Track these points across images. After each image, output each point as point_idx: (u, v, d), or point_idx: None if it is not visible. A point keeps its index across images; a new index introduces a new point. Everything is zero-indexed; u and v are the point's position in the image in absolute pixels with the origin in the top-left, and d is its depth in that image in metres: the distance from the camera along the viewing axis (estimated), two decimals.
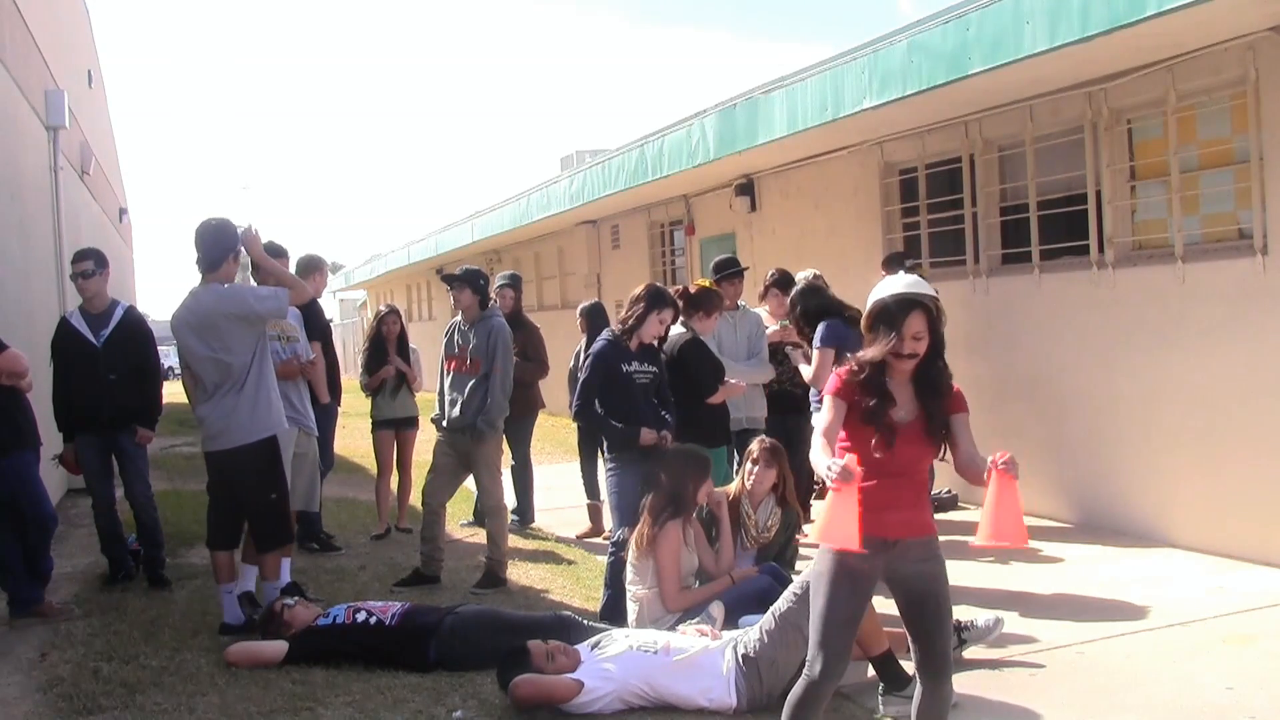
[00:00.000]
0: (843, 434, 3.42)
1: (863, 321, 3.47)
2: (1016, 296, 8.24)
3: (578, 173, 14.17)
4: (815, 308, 6.74)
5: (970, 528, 8.35)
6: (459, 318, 6.94)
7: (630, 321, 5.85)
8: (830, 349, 6.50)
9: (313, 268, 7.72)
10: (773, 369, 7.08)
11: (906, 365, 3.38)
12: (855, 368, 3.41)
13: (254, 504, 5.70)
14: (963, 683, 4.60)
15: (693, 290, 6.41)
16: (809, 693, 3.39)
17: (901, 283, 3.44)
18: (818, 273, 7.32)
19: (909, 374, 3.41)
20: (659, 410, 5.87)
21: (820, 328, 6.68)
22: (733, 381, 6.27)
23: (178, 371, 5.79)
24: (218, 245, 5.64)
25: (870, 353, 3.39)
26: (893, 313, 3.35)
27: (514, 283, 8.77)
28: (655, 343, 5.97)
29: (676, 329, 6.23)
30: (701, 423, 6.11)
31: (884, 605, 3.86)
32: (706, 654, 4.55)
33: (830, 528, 3.14)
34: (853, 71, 7.95)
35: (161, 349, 7.55)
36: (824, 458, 3.24)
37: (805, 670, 3.40)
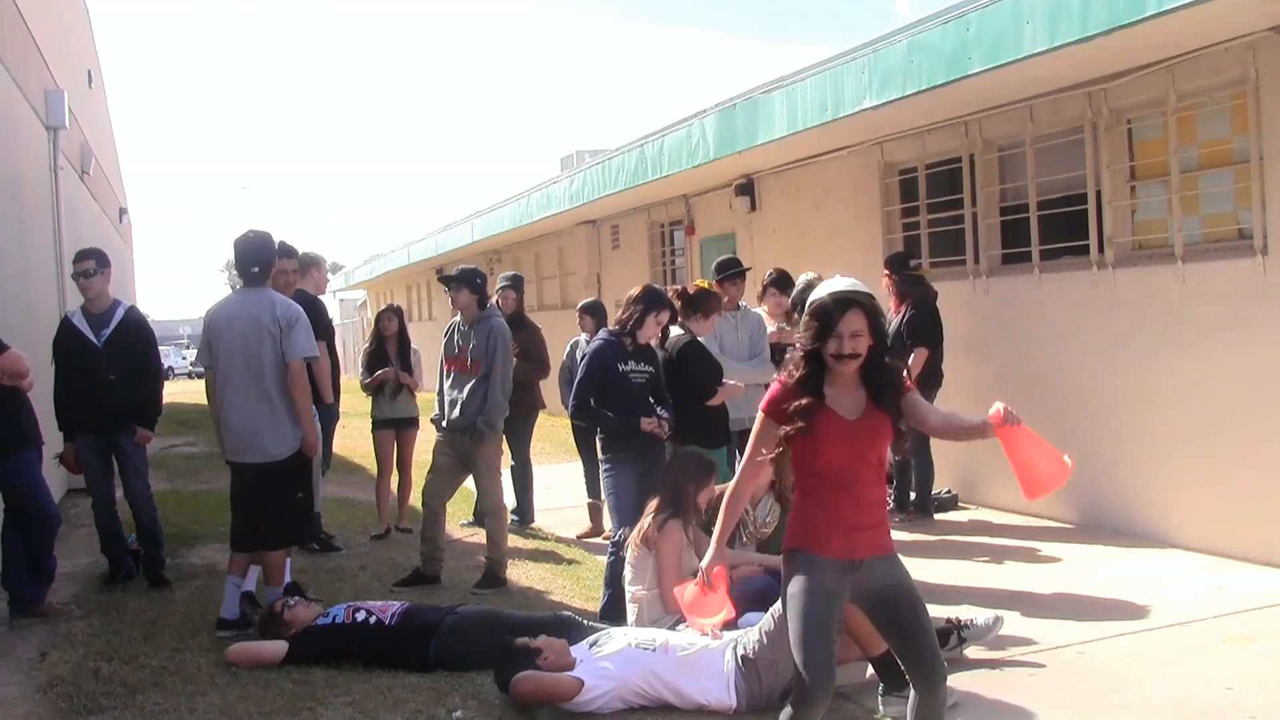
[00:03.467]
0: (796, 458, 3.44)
1: (802, 320, 3.46)
2: (1016, 296, 8.24)
3: (578, 173, 14.17)
4: None
5: (970, 527, 8.39)
6: (458, 318, 6.93)
7: (628, 323, 5.86)
8: None
9: (309, 264, 7.76)
10: (774, 369, 7.07)
11: (848, 367, 3.36)
12: (790, 373, 3.41)
13: (279, 503, 5.74)
14: (963, 683, 4.60)
15: (691, 291, 6.40)
16: (801, 713, 3.37)
17: (841, 283, 3.43)
18: (817, 275, 7.32)
19: (855, 376, 3.40)
20: (656, 409, 5.87)
21: None
22: (731, 383, 6.27)
23: (178, 372, 5.82)
24: (269, 255, 5.94)
25: (801, 345, 3.41)
26: (829, 312, 3.34)
27: (516, 284, 8.77)
28: (652, 343, 5.98)
29: (675, 330, 6.23)
30: (701, 424, 6.11)
31: None
32: (706, 653, 4.56)
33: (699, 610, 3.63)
34: (853, 71, 7.95)
35: (161, 349, 7.56)
36: (718, 532, 3.56)
37: (794, 691, 3.38)
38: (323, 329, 7.56)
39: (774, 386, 3.46)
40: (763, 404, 3.45)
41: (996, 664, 4.90)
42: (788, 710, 3.41)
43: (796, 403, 3.35)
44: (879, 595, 3.42)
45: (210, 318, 5.85)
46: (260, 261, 5.86)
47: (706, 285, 6.60)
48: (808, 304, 3.45)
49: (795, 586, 3.37)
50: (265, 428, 5.64)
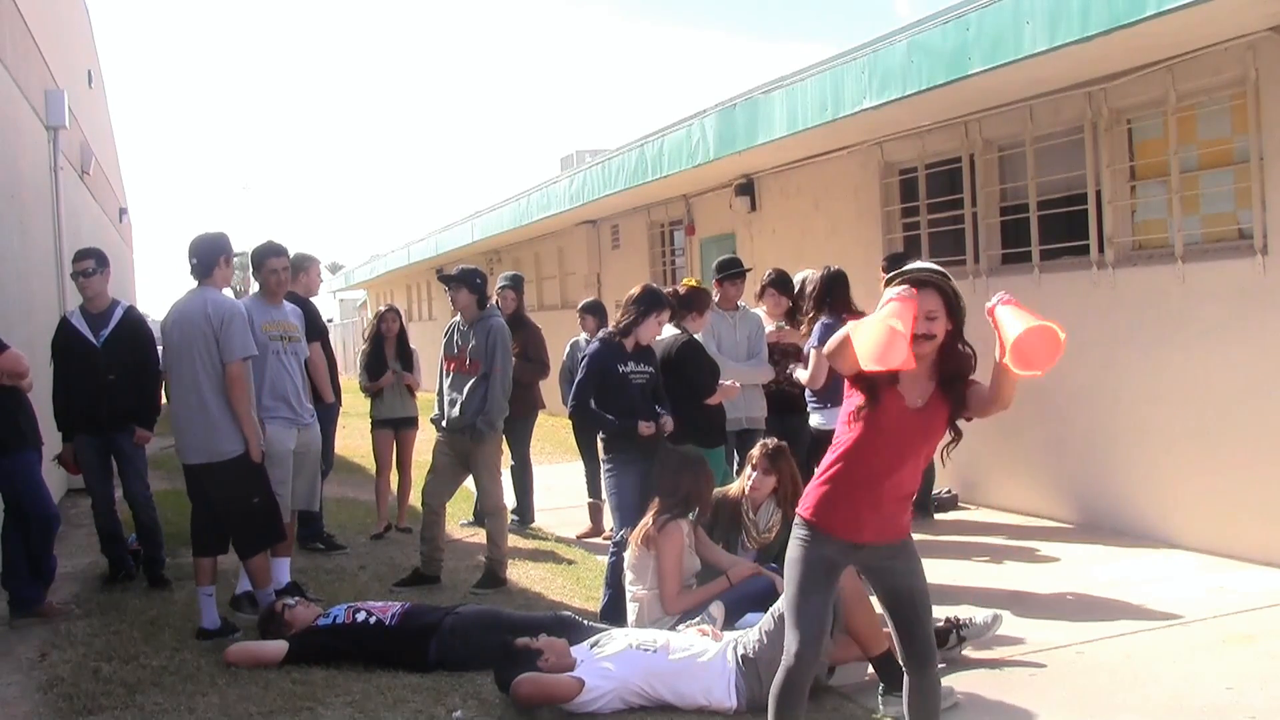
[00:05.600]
0: (846, 420, 3.40)
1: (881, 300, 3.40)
2: (1016, 296, 8.20)
3: (578, 173, 14.17)
4: (837, 297, 6.80)
5: (970, 527, 8.38)
6: (458, 318, 6.93)
7: (627, 324, 5.86)
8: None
9: (299, 267, 7.70)
10: (772, 369, 7.09)
11: (923, 348, 3.28)
12: None
13: (235, 511, 5.68)
14: (963, 682, 4.60)
15: (681, 292, 6.42)
16: (788, 679, 3.42)
17: (919, 264, 3.44)
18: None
19: (931, 362, 3.34)
20: (655, 409, 5.88)
21: (816, 328, 6.71)
22: (728, 383, 6.27)
23: None
24: (210, 252, 5.78)
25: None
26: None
27: (515, 284, 8.76)
28: (651, 343, 5.98)
29: (670, 330, 6.23)
30: (699, 424, 6.12)
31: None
32: (706, 654, 4.55)
33: (882, 344, 2.99)
34: (853, 71, 7.95)
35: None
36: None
37: (783, 658, 3.43)
38: (316, 330, 7.54)
39: None
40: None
41: (996, 664, 4.90)
42: (777, 681, 3.46)
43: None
44: (884, 576, 3.47)
45: (162, 322, 5.83)
46: (198, 254, 5.77)
47: (695, 283, 6.61)
48: (886, 282, 3.41)
49: (796, 553, 3.43)
50: (201, 427, 5.55)
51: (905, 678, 3.49)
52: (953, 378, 3.36)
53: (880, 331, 3.05)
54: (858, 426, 3.36)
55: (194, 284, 5.82)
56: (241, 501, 5.64)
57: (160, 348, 5.79)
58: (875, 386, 3.31)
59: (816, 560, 3.38)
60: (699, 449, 5.84)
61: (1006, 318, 3.11)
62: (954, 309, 3.34)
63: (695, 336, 6.34)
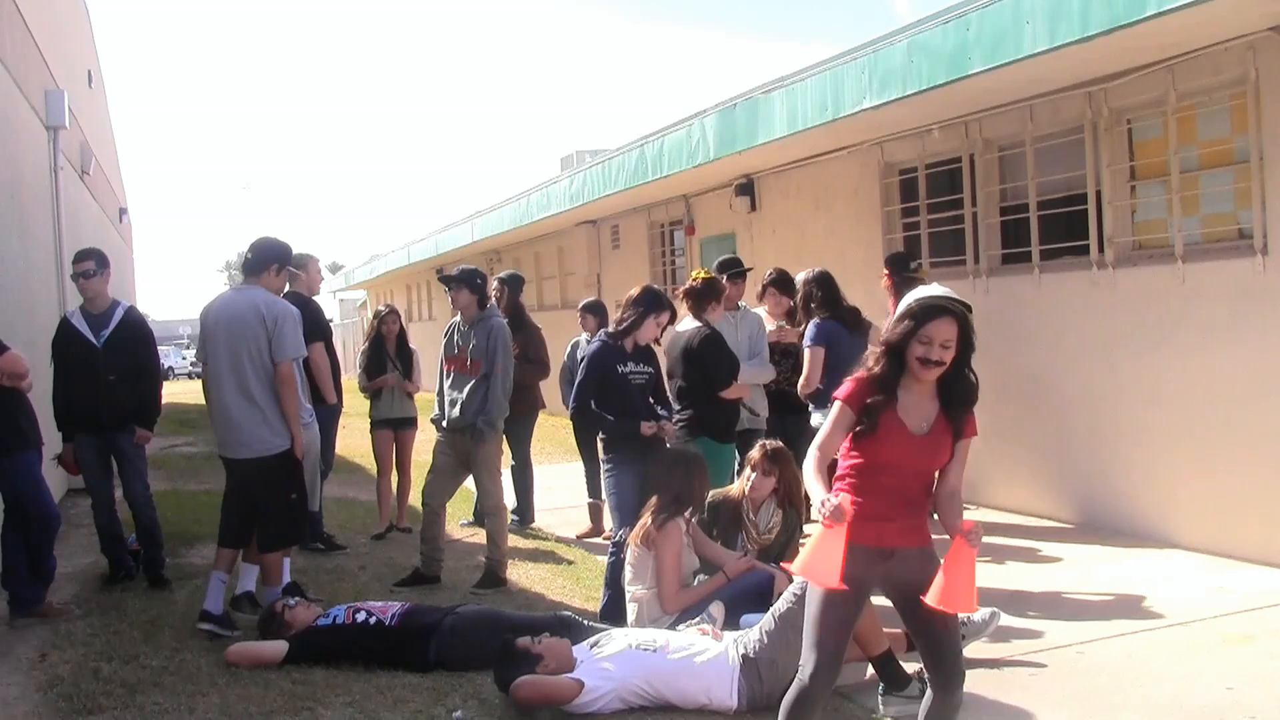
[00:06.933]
0: (847, 446, 3.41)
1: (894, 319, 3.41)
2: (1016, 296, 8.24)
3: (578, 173, 14.17)
4: (824, 297, 6.80)
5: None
6: (458, 318, 6.94)
7: (627, 324, 5.86)
8: (820, 348, 6.53)
9: (298, 266, 7.66)
10: (774, 369, 7.09)
11: (931, 374, 3.30)
12: (871, 365, 3.35)
13: (269, 502, 5.73)
14: None
15: (697, 285, 6.34)
16: (802, 696, 3.39)
17: (939, 290, 3.40)
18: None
19: (933, 385, 3.35)
20: (655, 410, 5.89)
21: (810, 327, 6.70)
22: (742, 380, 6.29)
23: (177, 372, 5.85)
24: (266, 254, 5.94)
25: (889, 338, 3.35)
26: (923, 315, 3.29)
27: (510, 281, 8.73)
28: (651, 344, 5.98)
29: (691, 324, 6.22)
30: (715, 418, 6.12)
31: (884, 604, 3.85)
32: (707, 653, 4.55)
33: (813, 563, 3.16)
34: (853, 72, 7.95)
35: (161, 349, 7.56)
36: (818, 488, 3.24)
37: (798, 673, 3.40)
38: (319, 330, 7.53)
39: (853, 381, 3.38)
40: (841, 394, 3.37)
41: (996, 664, 4.90)
42: (790, 695, 3.43)
43: (869, 399, 3.30)
44: (909, 591, 3.39)
45: (203, 314, 5.89)
46: (255, 251, 5.94)
47: (706, 273, 6.58)
48: (902, 303, 3.41)
49: None
50: (246, 423, 5.62)
51: (928, 692, 3.45)
52: (956, 399, 3.36)
53: (813, 567, 3.20)
54: (859, 451, 3.36)
55: (208, 283, 5.90)
56: (281, 496, 5.73)
57: (200, 341, 5.82)
58: (874, 412, 3.31)
59: (845, 579, 3.29)
60: (711, 443, 5.86)
61: (960, 564, 3.25)
62: (966, 340, 3.32)
63: (716, 328, 6.31)
